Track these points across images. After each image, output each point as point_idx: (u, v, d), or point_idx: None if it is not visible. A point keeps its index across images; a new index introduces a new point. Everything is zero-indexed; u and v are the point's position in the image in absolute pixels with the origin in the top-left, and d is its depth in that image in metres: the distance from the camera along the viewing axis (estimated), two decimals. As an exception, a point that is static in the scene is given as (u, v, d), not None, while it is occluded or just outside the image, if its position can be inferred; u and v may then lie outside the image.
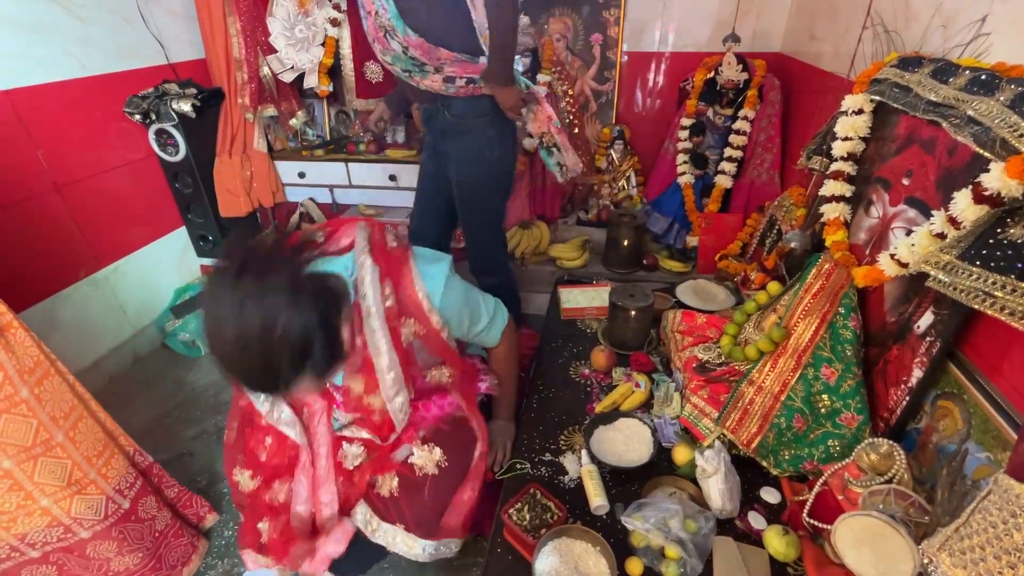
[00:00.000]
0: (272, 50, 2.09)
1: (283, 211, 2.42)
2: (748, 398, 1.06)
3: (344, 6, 2.03)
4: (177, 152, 1.97)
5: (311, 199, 2.38)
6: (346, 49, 2.10)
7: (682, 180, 2.03)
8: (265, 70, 2.10)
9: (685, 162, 2.02)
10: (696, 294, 1.57)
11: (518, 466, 1.08)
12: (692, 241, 2.00)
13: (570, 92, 2.08)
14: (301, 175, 2.35)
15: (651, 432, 1.11)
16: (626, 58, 2.23)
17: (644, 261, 2.05)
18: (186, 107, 1.92)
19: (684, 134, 2.01)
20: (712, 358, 1.21)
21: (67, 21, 1.69)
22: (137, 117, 1.90)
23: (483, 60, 1.35)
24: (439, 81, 1.35)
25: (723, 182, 1.95)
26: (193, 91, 1.96)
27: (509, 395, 1.27)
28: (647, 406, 1.21)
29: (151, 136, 1.97)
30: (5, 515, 0.98)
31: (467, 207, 1.59)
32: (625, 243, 1.99)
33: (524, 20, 2.02)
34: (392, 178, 2.32)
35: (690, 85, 1.99)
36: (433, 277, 0.99)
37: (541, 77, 2.02)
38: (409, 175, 2.30)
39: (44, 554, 1.06)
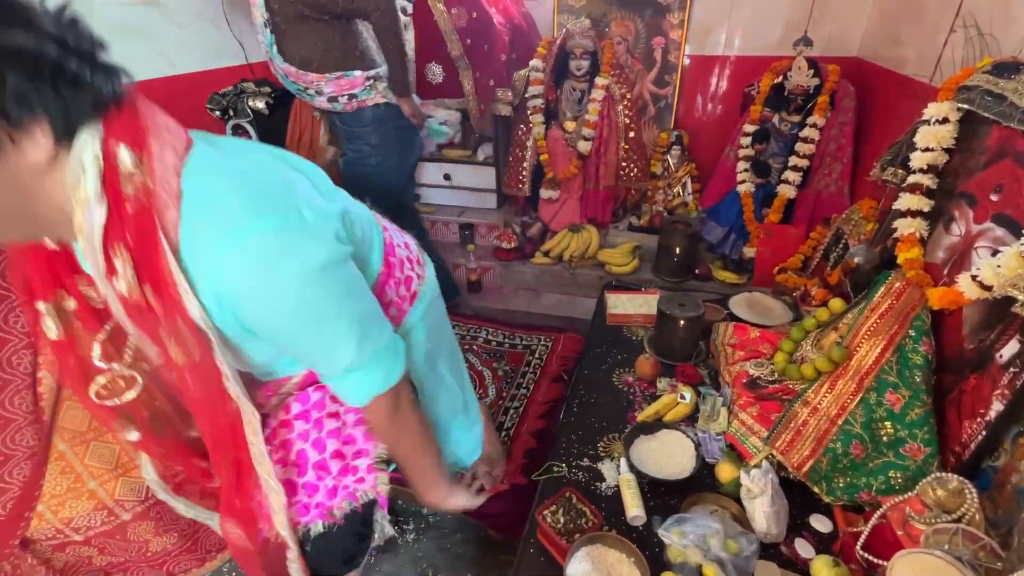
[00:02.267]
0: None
1: (343, 206, 2.52)
2: (801, 419, 1.01)
3: (410, 10, 2.10)
4: (250, 146, 2.11)
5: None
6: (409, 52, 2.17)
7: (742, 188, 1.95)
8: (333, 71, 2.20)
9: (746, 170, 1.95)
10: (750, 307, 1.50)
11: (555, 468, 1.08)
12: (749, 252, 1.92)
13: (628, 96, 2.05)
14: (361, 172, 2.45)
15: (694, 446, 1.08)
16: (688, 61, 2.17)
17: (696, 270, 1.99)
18: (260, 104, 2.04)
19: (746, 141, 1.93)
20: (764, 374, 1.16)
21: (164, 25, 1.84)
22: (217, 113, 2.04)
23: (358, 74, 1.51)
24: (325, 102, 1.56)
25: (786, 192, 1.86)
26: (267, 90, 2.08)
27: (418, 467, 0.89)
28: (691, 419, 1.18)
29: (228, 130, 2.11)
30: (55, 498, 1.01)
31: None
32: (677, 251, 1.94)
33: (585, 23, 2.01)
34: (447, 177, 2.38)
35: (755, 90, 1.92)
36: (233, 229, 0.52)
37: (599, 80, 2.01)
38: (463, 174, 2.35)
39: (87, 538, 1.09)
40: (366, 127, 1.61)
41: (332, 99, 1.53)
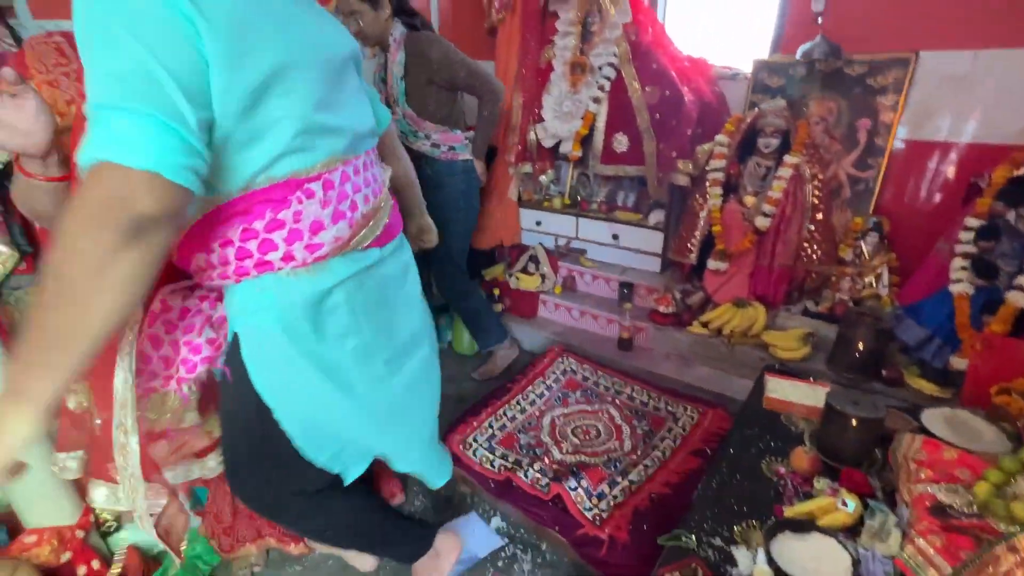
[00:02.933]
0: (540, 120, 2.51)
1: (517, 251, 2.80)
2: (1004, 568, 0.84)
3: (607, 87, 2.33)
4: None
5: (541, 244, 2.71)
6: (601, 123, 2.39)
7: (956, 289, 1.69)
8: (532, 136, 2.53)
9: (964, 268, 1.69)
10: (951, 426, 1.29)
11: (683, 538, 1.06)
12: (958, 363, 1.64)
13: (820, 176, 1.96)
14: (538, 223, 2.71)
15: (851, 562, 0.97)
16: (902, 145, 2.00)
17: (884, 372, 1.75)
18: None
19: (968, 236, 1.69)
20: (958, 504, 0.99)
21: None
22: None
23: (459, 132, 1.93)
24: (428, 146, 1.90)
25: (1017, 300, 1.57)
26: (476, 148, 2.48)
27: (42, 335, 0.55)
28: (852, 531, 1.06)
29: (440, 179, 2.55)
30: None
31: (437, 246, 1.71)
32: (861, 346, 1.75)
33: (780, 103, 2.01)
34: (615, 237, 2.50)
35: (985, 182, 1.69)
36: None
37: (789, 158, 1.97)
38: (631, 236, 2.45)
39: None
40: (456, 176, 1.97)
41: (435, 145, 1.92)
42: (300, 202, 0.71)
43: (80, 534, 1.23)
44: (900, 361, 1.80)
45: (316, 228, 0.73)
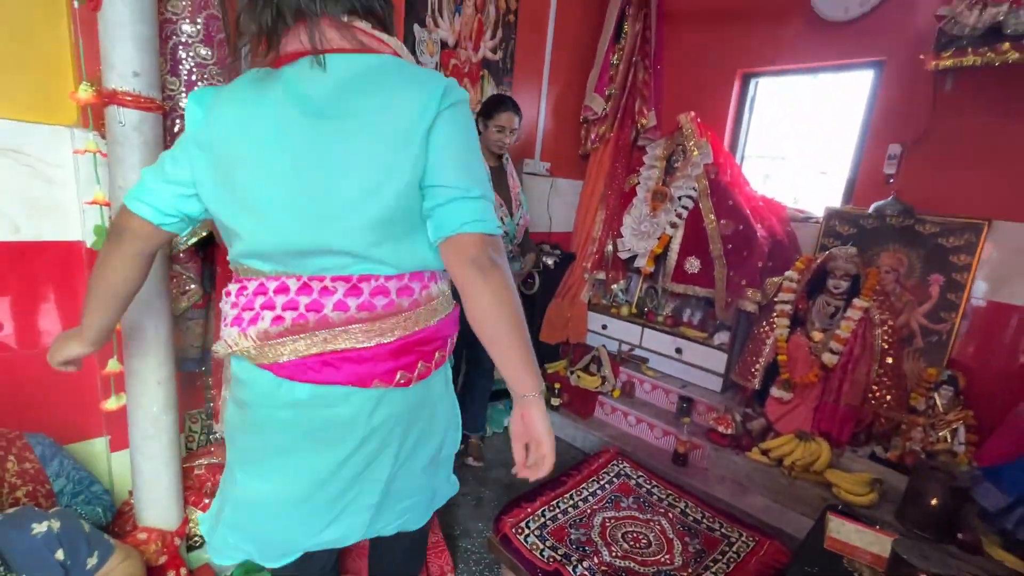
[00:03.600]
0: (619, 235, 2.76)
1: (581, 350, 2.94)
2: None
3: (685, 216, 2.57)
4: (533, 288, 2.74)
5: (605, 347, 2.84)
6: (675, 245, 2.61)
7: (1039, 457, 1.64)
8: (609, 248, 2.78)
9: (1047, 437, 1.65)
10: (1033, 602, 1.22)
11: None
12: (1045, 539, 1.55)
13: (891, 323, 2.03)
14: (604, 327, 2.87)
15: None
16: (980, 303, 2.05)
17: (960, 535, 1.67)
18: (550, 261, 2.70)
19: (1050, 404, 1.67)
20: None
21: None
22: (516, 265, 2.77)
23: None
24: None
25: (1110, 480, 1.50)
26: (558, 252, 2.75)
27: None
28: None
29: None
30: None
31: None
32: (934, 502, 1.69)
33: (851, 250, 2.14)
34: (678, 351, 2.60)
35: (1066, 352, 1.69)
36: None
37: (858, 302, 2.06)
38: (695, 352, 2.54)
39: None
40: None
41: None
42: (228, 293, 0.84)
43: (178, 542, 1.38)
44: (978, 527, 1.71)
45: (227, 320, 0.83)
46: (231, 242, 0.81)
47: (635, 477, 2.00)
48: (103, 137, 1.21)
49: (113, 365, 1.35)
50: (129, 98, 1.10)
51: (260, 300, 0.79)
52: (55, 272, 1.41)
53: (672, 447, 2.33)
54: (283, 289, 0.78)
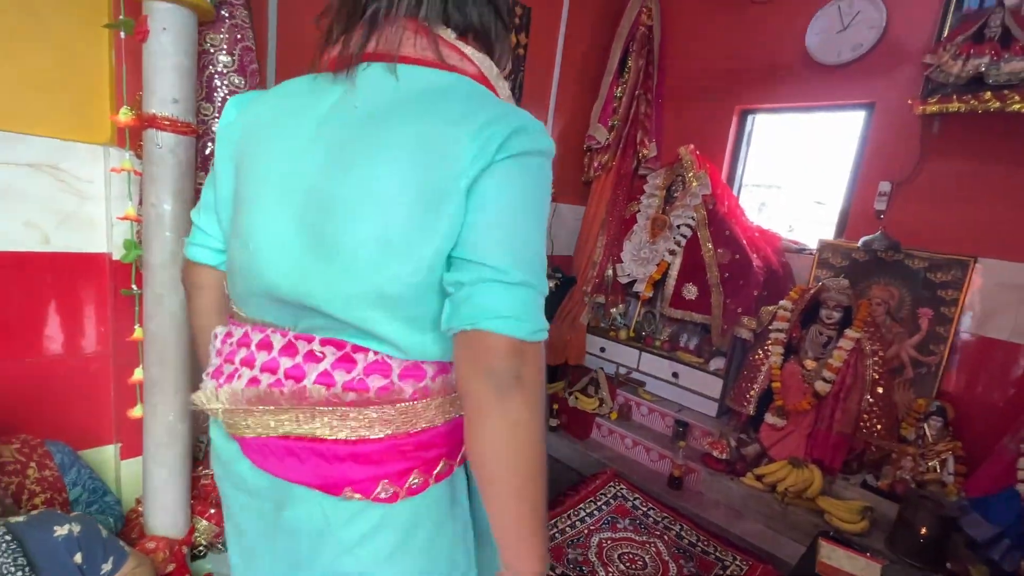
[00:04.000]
0: (619, 261, 2.84)
1: (579, 372, 2.99)
2: None
3: (683, 243, 2.65)
4: (534, 310, 2.81)
5: (603, 369, 2.89)
6: (674, 271, 2.68)
7: (1024, 489, 1.69)
8: (609, 273, 2.86)
9: (1031, 469, 1.70)
10: (1017, 630, 1.26)
11: None
12: (1030, 569, 1.59)
13: (881, 353, 2.09)
14: (602, 349, 2.92)
15: None
16: (967, 337, 2.12)
17: (948, 565, 1.70)
18: (551, 284, 2.77)
19: (1034, 437, 1.73)
20: None
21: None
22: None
23: None
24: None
25: (1091, 513, 1.55)
26: (559, 275, 2.82)
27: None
28: None
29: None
30: None
31: None
32: (924, 531, 1.73)
33: (843, 282, 2.22)
34: (675, 375, 2.65)
35: (1048, 387, 1.76)
36: None
37: (850, 332, 2.12)
38: (691, 377, 2.59)
39: None
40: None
41: None
42: (215, 336, 0.70)
43: (185, 550, 1.41)
44: (966, 556, 1.75)
45: (208, 369, 0.69)
46: (228, 274, 0.69)
47: (631, 499, 2.03)
48: (139, 157, 1.29)
49: (138, 374, 1.40)
50: (167, 122, 1.18)
51: (242, 353, 0.64)
52: (80, 281, 1.47)
53: (668, 470, 2.37)
54: (266, 345, 0.62)
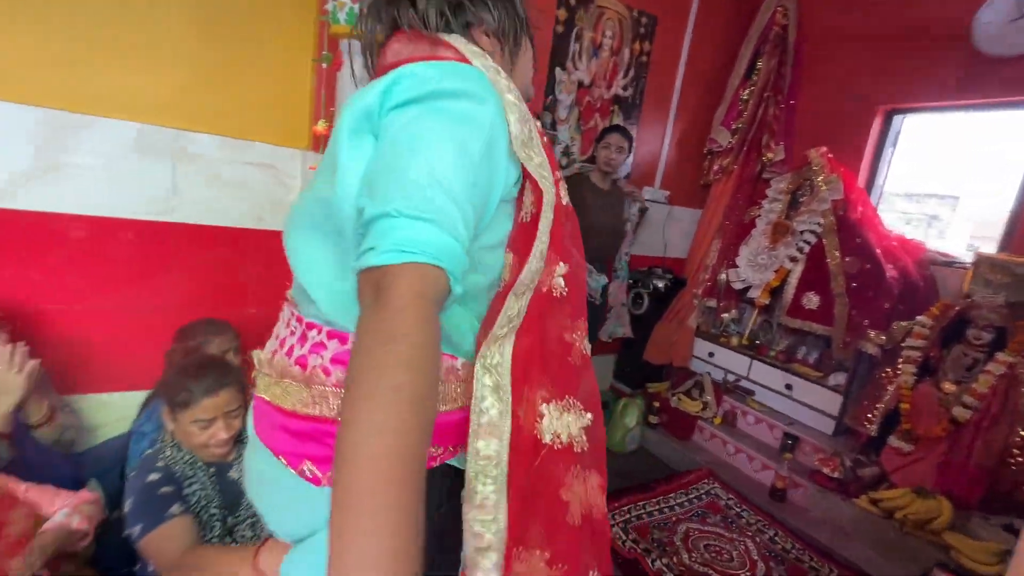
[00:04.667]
0: (734, 265, 2.80)
1: (684, 375, 2.99)
2: None
3: (806, 250, 2.54)
4: (641, 308, 2.89)
5: (709, 375, 2.87)
6: (794, 279, 2.58)
7: None
8: (722, 277, 2.83)
9: None
10: None
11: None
12: None
13: (1041, 382, 1.84)
14: (710, 354, 2.90)
15: None
16: None
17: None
18: (660, 284, 2.83)
19: None
20: None
21: (626, 225, 2.89)
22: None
23: None
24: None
25: None
26: (670, 276, 2.87)
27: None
28: None
29: (631, 295, 2.96)
30: None
31: None
32: (1077, 586, 1.51)
33: (999, 299, 1.98)
34: (788, 387, 2.55)
35: None
36: None
37: (1002, 356, 1.89)
38: (806, 391, 2.48)
39: None
40: None
41: None
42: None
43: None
44: None
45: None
46: None
47: (725, 498, 2.04)
48: (328, 158, 1.68)
49: (310, 325, 1.82)
50: (351, 132, 1.54)
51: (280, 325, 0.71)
52: (280, 254, 1.93)
53: (770, 481, 2.30)
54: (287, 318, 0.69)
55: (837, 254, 2.43)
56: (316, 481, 0.59)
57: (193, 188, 1.75)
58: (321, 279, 0.61)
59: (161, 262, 1.75)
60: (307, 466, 0.59)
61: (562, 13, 2.43)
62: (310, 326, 0.62)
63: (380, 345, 0.42)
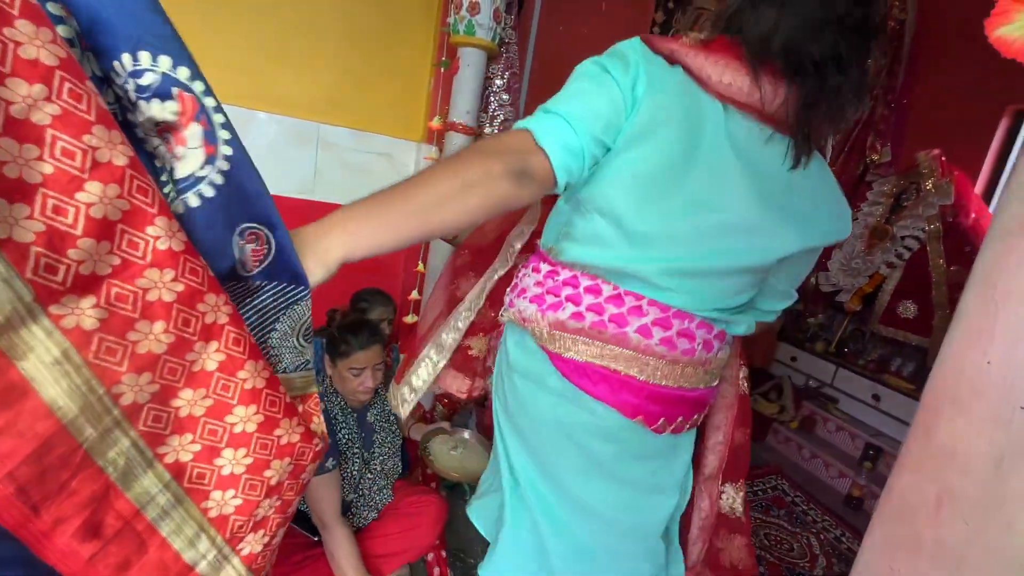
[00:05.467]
0: (825, 268, 2.73)
1: (764, 377, 2.96)
2: None
3: (906, 257, 2.43)
4: (721, 306, 2.90)
5: (790, 378, 2.82)
6: (889, 286, 2.48)
7: None
8: (811, 280, 2.76)
9: None
10: None
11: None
12: None
13: None
14: (792, 359, 2.85)
15: None
16: None
17: None
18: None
19: None
20: None
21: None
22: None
23: None
24: None
25: None
26: (753, 276, 2.85)
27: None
28: None
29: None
30: None
31: None
32: None
33: None
34: (875, 397, 2.46)
35: None
36: None
37: None
38: (897, 403, 2.39)
39: None
40: None
41: None
42: (536, 270, 0.84)
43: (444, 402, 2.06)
44: None
45: (525, 294, 0.84)
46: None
47: (792, 495, 2.05)
48: (440, 151, 1.95)
49: (415, 294, 2.10)
50: (462, 127, 1.78)
51: (567, 291, 0.76)
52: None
53: (846, 489, 2.26)
54: (594, 290, 0.75)
55: (941, 262, 2.31)
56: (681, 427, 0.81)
57: (330, 171, 2.10)
58: None
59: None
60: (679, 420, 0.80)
61: (659, 15, 2.53)
62: (682, 314, 0.76)
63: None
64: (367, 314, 1.72)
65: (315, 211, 2.09)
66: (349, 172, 2.13)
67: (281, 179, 2.03)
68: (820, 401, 2.66)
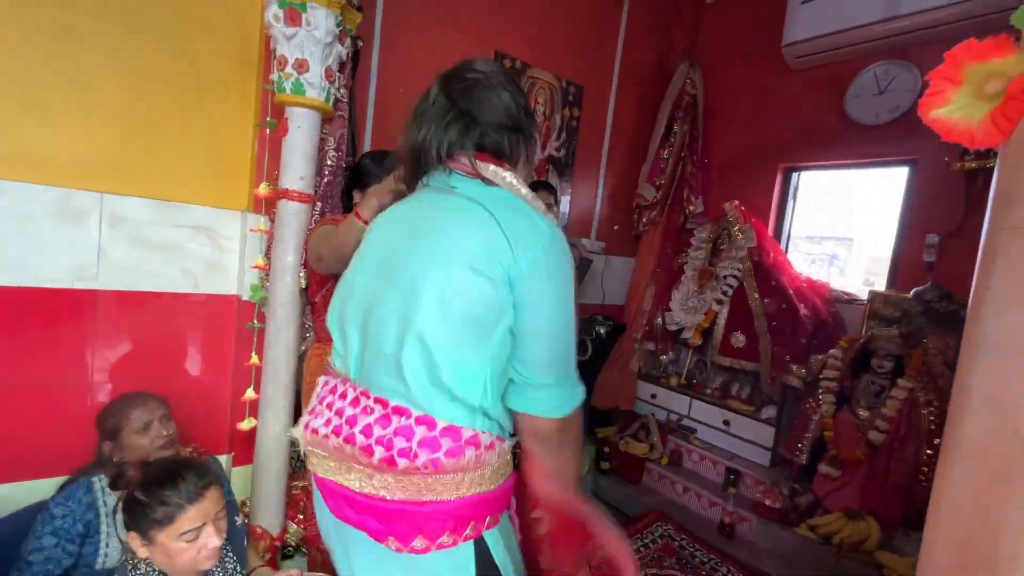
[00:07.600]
0: (668, 309, 2.98)
1: (629, 418, 3.07)
2: None
3: (730, 293, 2.77)
4: (586, 354, 2.97)
5: (654, 415, 2.97)
6: (722, 320, 2.78)
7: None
8: (658, 321, 2.99)
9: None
10: None
11: None
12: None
13: (935, 403, 2.07)
14: (653, 396, 3.01)
15: None
16: None
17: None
18: (602, 330, 2.94)
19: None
20: None
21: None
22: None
23: None
24: None
25: None
26: (610, 322, 2.99)
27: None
28: None
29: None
30: None
31: None
32: (989, 590, 1.66)
33: (892, 332, 2.24)
34: (726, 423, 2.69)
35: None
36: None
37: (903, 382, 2.13)
38: (742, 425, 2.62)
39: None
40: None
41: None
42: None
43: (278, 545, 1.66)
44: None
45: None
46: None
47: (678, 539, 2.08)
48: (271, 220, 1.67)
49: (250, 393, 1.73)
50: (296, 194, 1.55)
51: (328, 398, 0.81)
52: (215, 318, 1.85)
53: (719, 517, 2.38)
54: (342, 394, 0.79)
55: (756, 296, 2.67)
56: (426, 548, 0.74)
57: (120, 251, 1.66)
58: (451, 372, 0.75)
59: (83, 331, 1.62)
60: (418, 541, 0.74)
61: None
62: (401, 409, 0.73)
63: (576, 449, 0.85)
64: (121, 428, 1.32)
65: (99, 301, 1.65)
66: (150, 251, 1.71)
67: (44, 266, 1.54)
68: (682, 433, 2.82)
